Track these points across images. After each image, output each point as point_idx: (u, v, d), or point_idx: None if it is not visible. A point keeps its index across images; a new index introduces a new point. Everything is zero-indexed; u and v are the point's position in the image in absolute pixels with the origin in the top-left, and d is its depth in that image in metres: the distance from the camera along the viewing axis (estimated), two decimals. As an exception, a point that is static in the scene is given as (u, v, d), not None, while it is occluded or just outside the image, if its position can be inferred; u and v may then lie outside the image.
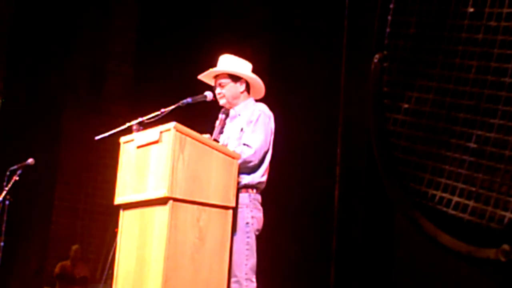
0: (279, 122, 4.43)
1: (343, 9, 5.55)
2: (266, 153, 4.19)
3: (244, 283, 4.01)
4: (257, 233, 4.13)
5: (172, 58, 9.03)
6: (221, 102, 4.32)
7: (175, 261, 3.69)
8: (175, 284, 3.68)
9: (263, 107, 4.29)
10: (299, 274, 6.46)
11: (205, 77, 4.39)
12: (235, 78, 4.30)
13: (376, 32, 4.39)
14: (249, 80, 4.33)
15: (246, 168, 4.09)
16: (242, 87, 4.31)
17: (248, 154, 4.05)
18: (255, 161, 4.09)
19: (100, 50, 10.42)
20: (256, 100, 4.40)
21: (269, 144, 4.22)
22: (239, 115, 4.28)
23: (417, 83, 4.17)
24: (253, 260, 4.08)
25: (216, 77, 4.33)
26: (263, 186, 4.21)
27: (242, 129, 4.22)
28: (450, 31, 4.01)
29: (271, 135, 4.23)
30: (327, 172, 5.89)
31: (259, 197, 4.20)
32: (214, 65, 4.41)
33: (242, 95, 4.32)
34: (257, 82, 4.34)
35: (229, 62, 4.32)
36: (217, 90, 4.30)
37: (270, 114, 4.27)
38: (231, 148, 4.12)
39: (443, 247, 3.93)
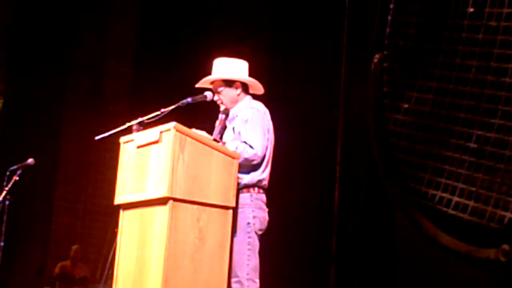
0: (279, 122, 4.44)
1: (343, 9, 5.55)
2: (266, 149, 4.20)
3: (246, 283, 4.01)
4: (260, 232, 4.13)
5: (172, 58, 9.03)
6: (222, 108, 4.36)
7: (175, 261, 3.69)
8: (175, 284, 3.68)
9: (257, 104, 4.32)
10: (299, 274, 6.46)
11: (204, 85, 4.43)
12: (229, 82, 4.33)
13: (376, 32, 4.38)
14: (243, 81, 4.34)
15: (248, 167, 4.10)
16: (238, 90, 4.34)
17: (250, 153, 4.07)
18: (258, 159, 4.12)
19: (100, 50, 10.42)
20: (255, 97, 4.42)
21: (267, 140, 4.22)
22: (237, 116, 4.30)
23: (417, 83, 4.16)
24: (255, 260, 4.08)
25: (213, 83, 4.36)
26: (264, 183, 4.21)
27: (233, 129, 4.25)
28: (450, 31, 4.01)
29: (268, 131, 4.24)
30: (327, 172, 5.89)
31: (262, 196, 4.20)
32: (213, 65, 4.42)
33: (240, 97, 4.34)
34: (253, 82, 4.36)
35: (222, 67, 4.34)
36: (215, 97, 4.35)
37: (264, 110, 4.30)
38: (229, 148, 4.12)
39: (443, 247, 3.92)
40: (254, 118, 4.19)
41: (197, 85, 4.40)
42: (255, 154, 4.08)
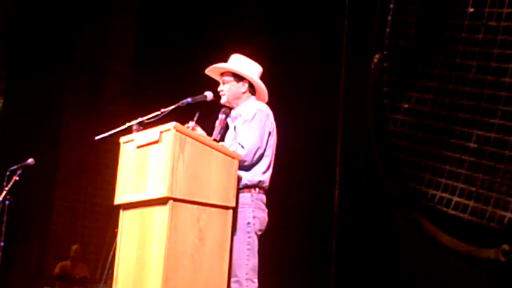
0: (279, 122, 4.43)
1: (343, 9, 5.55)
2: (261, 151, 4.17)
3: (245, 283, 4.01)
4: (259, 233, 4.13)
5: (172, 58, 9.03)
6: (222, 100, 4.34)
7: (175, 261, 3.69)
8: (175, 284, 3.68)
9: (261, 105, 4.30)
10: (299, 274, 6.46)
11: (213, 74, 4.41)
12: (238, 77, 4.31)
13: (376, 32, 4.39)
14: (252, 82, 4.33)
15: (243, 166, 4.09)
16: (244, 88, 4.31)
17: (241, 154, 4.05)
18: (249, 160, 4.10)
19: (100, 50, 10.42)
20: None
21: (266, 142, 4.20)
22: (240, 115, 4.29)
23: (417, 83, 4.17)
24: (254, 260, 4.07)
25: (222, 74, 4.36)
26: (265, 184, 4.20)
27: (235, 128, 4.24)
28: (450, 31, 4.01)
29: (269, 133, 4.23)
30: (327, 172, 5.89)
31: (262, 196, 4.18)
32: (215, 64, 4.41)
33: (243, 96, 4.32)
34: (260, 87, 4.35)
35: (236, 62, 4.33)
36: (219, 87, 4.33)
37: (268, 112, 4.27)
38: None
39: (443, 247, 3.93)
40: (255, 118, 4.17)
41: (206, 71, 4.38)
42: (246, 154, 4.07)
